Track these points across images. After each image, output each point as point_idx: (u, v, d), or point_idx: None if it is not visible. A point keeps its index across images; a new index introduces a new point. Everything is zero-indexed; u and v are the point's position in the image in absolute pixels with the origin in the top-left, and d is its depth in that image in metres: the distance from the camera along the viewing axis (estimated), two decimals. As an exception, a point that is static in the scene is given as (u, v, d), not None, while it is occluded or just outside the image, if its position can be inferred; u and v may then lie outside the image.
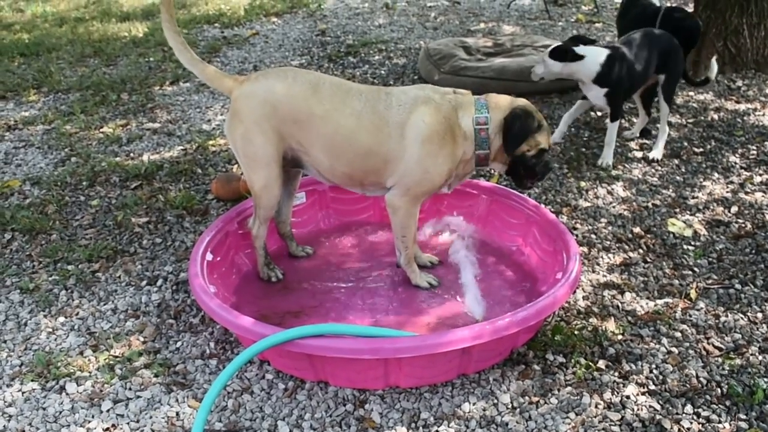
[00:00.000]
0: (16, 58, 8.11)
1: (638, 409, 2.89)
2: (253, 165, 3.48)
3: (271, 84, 3.41)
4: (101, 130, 5.94)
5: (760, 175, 4.86)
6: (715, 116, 5.83)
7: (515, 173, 3.57)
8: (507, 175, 3.67)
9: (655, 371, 3.09)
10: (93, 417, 2.93)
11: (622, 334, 3.32)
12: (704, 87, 6.17)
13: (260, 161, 3.44)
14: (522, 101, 3.49)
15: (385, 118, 3.33)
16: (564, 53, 4.77)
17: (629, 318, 3.45)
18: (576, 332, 3.30)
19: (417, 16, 9.71)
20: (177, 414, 2.93)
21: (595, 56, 4.72)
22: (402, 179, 3.39)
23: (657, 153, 5.09)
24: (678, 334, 3.32)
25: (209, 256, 3.54)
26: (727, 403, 2.92)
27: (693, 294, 3.60)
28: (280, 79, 3.42)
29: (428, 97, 3.37)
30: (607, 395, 2.95)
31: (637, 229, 4.22)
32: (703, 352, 3.20)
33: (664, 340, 3.28)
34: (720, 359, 3.15)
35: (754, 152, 5.19)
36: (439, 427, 2.83)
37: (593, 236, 4.16)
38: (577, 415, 2.87)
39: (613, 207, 4.47)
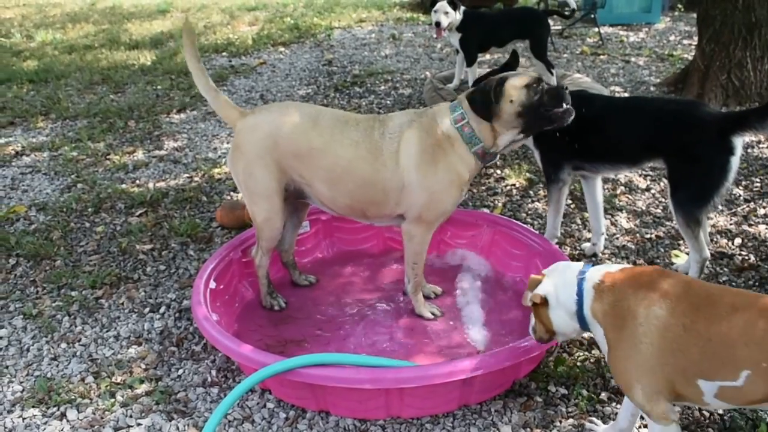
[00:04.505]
0: (24, 85, 8.20)
1: (641, 443, 2.88)
2: (254, 198, 3.49)
3: (273, 118, 3.43)
4: (108, 157, 5.98)
5: (764, 207, 4.85)
6: (719, 149, 5.83)
7: (534, 126, 3.29)
8: (532, 134, 3.46)
9: (658, 404, 3.07)
10: (93, 444, 2.92)
11: (625, 367, 3.30)
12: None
13: (262, 194, 3.46)
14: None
15: (380, 147, 3.34)
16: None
17: (632, 350, 3.43)
18: (578, 364, 3.29)
19: (423, 47, 9.80)
20: (177, 442, 2.92)
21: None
22: (411, 208, 3.39)
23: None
24: (681, 367, 3.30)
25: (212, 284, 3.55)
26: (731, 437, 2.90)
27: (696, 326, 3.58)
28: (281, 113, 3.45)
29: (410, 120, 3.38)
30: (610, 428, 2.93)
31: (640, 261, 4.21)
32: (707, 386, 3.18)
33: (667, 373, 3.25)
34: (723, 393, 3.13)
35: (758, 184, 5.19)
36: (440, 458, 2.82)
37: (596, 267, 4.14)
38: (579, 447, 2.86)
39: (617, 239, 4.47)
